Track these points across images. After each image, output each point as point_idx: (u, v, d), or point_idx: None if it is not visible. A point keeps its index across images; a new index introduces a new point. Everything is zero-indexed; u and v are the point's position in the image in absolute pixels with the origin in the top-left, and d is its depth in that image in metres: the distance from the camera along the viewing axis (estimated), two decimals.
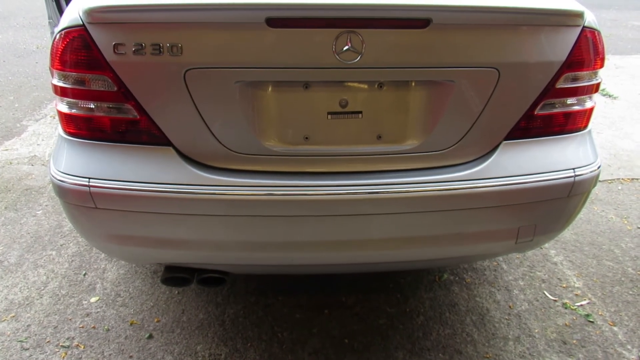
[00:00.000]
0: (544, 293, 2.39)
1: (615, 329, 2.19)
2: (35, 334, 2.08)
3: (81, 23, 1.41)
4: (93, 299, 2.28)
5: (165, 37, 1.40)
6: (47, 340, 2.05)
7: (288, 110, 1.55)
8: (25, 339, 2.06)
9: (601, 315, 2.27)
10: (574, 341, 2.11)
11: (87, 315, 2.19)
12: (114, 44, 1.40)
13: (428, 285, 2.43)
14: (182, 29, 1.41)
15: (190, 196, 1.51)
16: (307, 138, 1.57)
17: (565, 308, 2.30)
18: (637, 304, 2.34)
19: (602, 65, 1.65)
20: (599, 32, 1.61)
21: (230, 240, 1.62)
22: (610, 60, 6.57)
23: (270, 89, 1.52)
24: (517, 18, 1.51)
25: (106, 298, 2.29)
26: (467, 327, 2.18)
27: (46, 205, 3.03)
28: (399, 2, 1.44)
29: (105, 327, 2.13)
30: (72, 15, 1.44)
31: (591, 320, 2.23)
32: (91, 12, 1.40)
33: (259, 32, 1.40)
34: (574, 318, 2.24)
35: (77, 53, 1.43)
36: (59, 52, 1.46)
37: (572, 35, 1.56)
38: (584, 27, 1.56)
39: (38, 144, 3.89)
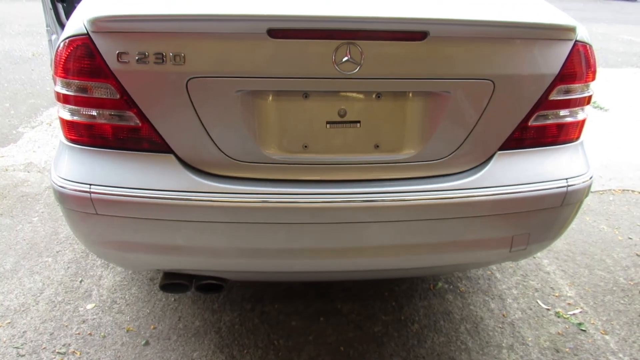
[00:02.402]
0: (537, 302, 2.42)
1: (607, 337, 2.22)
2: (31, 341, 2.08)
3: (85, 32, 1.44)
4: (89, 306, 2.28)
5: (168, 47, 1.42)
6: (43, 347, 2.05)
7: (288, 119, 1.58)
8: (21, 345, 2.06)
9: (593, 324, 2.30)
10: (567, 349, 2.14)
11: (83, 322, 2.19)
12: (118, 53, 1.43)
13: (423, 294, 2.45)
14: (185, 38, 1.43)
15: (191, 203, 1.53)
16: (306, 146, 1.60)
17: (558, 317, 2.33)
18: (629, 313, 2.37)
19: (593, 78, 1.70)
20: (590, 46, 1.66)
21: (230, 247, 1.64)
22: (600, 73, 6.65)
23: (270, 98, 1.55)
24: (512, 32, 1.55)
25: (102, 305, 2.29)
26: (461, 335, 2.20)
27: (42, 212, 3.03)
28: (397, 15, 1.48)
29: (102, 334, 2.13)
30: (76, 24, 1.46)
31: (583, 329, 2.26)
32: (95, 22, 1.42)
33: (261, 43, 1.43)
34: (567, 327, 2.27)
35: (81, 61, 1.45)
36: (63, 60, 1.48)
37: (565, 48, 1.60)
38: (576, 41, 1.61)
39: (34, 151, 3.89)
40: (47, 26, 3.61)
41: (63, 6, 3.28)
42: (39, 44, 7.37)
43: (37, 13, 5.37)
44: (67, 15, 3.02)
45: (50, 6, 3.31)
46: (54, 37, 3.40)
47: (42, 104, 4.95)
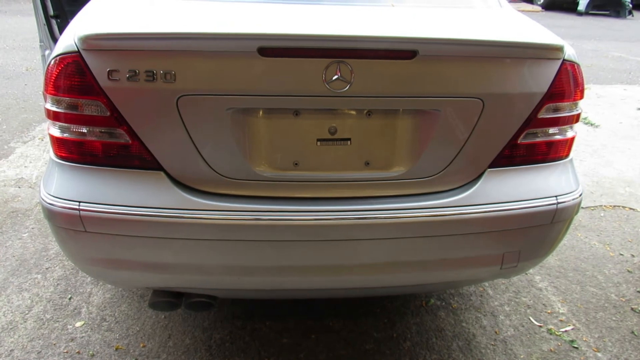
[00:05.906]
0: (529, 319, 2.42)
1: (599, 354, 2.21)
2: (19, 359, 2.05)
3: (76, 49, 1.44)
4: (78, 324, 2.25)
5: (159, 65, 1.43)
6: None
7: (279, 137, 1.58)
8: None
9: (585, 341, 2.29)
10: None
11: (72, 340, 2.16)
12: (108, 70, 1.43)
13: (415, 310, 2.44)
14: (176, 56, 1.44)
15: (181, 220, 1.52)
16: (296, 164, 1.60)
17: (550, 334, 2.32)
18: (621, 329, 2.37)
19: (581, 97, 1.71)
20: (578, 65, 1.68)
21: (220, 265, 1.63)
22: (591, 89, 6.73)
23: (261, 115, 1.55)
24: (501, 51, 1.57)
25: (91, 322, 2.26)
26: (453, 353, 2.19)
27: (32, 228, 3.01)
28: (387, 34, 1.49)
29: (90, 353, 2.10)
30: (67, 42, 1.47)
31: (576, 346, 2.25)
32: (86, 39, 1.42)
33: (251, 61, 1.44)
34: (559, 344, 2.26)
35: (72, 78, 1.45)
36: (53, 77, 1.48)
37: (553, 67, 1.62)
38: (564, 60, 1.63)
39: (25, 166, 3.87)
40: (40, 41, 3.62)
41: (57, 22, 3.30)
42: (32, 59, 7.36)
43: (31, 28, 5.38)
44: (61, 31, 3.02)
45: (44, 22, 3.32)
46: (47, 52, 3.40)
47: (35, 119, 4.93)
